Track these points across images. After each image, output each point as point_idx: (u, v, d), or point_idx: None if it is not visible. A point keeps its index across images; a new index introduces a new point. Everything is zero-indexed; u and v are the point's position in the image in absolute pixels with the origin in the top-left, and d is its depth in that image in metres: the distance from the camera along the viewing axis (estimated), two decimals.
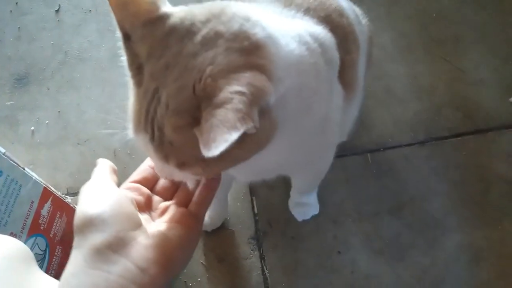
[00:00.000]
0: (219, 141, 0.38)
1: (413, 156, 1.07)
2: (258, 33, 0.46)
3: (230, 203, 0.99)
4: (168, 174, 0.52)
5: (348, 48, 0.68)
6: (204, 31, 0.45)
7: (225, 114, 0.40)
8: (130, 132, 0.49)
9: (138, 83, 0.46)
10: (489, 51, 1.20)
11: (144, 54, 0.46)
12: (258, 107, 0.42)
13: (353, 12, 0.77)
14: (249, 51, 0.44)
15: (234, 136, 0.38)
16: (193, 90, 0.43)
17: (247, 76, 0.42)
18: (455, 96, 1.14)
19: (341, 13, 0.69)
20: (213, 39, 0.44)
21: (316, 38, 0.57)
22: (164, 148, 0.46)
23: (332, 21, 0.65)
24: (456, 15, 1.26)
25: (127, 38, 0.47)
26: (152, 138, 0.46)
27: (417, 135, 1.10)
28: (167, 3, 0.48)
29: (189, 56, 0.44)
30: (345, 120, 0.75)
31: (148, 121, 0.45)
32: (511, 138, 1.08)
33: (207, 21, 0.45)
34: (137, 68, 0.46)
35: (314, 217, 0.99)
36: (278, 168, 0.69)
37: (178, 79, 0.43)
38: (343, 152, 1.07)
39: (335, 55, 0.62)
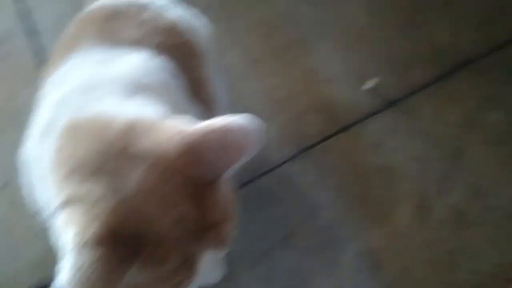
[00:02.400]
0: None
1: (289, 175, 1.02)
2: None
3: None
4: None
5: (194, 65, 0.65)
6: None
7: None
8: None
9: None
10: (333, 45, 1.19)
11: None
12: None
13: (192, 21, 0.71)
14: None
15: None
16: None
17: None
18: (313, 99, 1.11)
19: (176, 31, 0.65)
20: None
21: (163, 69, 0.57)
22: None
23: (168, 46, 0.61)
24: (294, 17, 1.24)
25: None
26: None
27: (288, 151, 1.04)
28: None
29: None
30: None
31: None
32: (374, 126, 1.07)
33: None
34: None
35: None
36: None
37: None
38: None
39: (181, 81, 0.61)
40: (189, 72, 0.62)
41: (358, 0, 1.26)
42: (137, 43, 0.59)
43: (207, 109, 0.65)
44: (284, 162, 1.03)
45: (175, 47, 0.62)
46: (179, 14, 0.68)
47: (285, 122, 1.08)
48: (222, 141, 0.43)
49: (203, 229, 0.45)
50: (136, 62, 0.57)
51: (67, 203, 0.42)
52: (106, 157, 0.43)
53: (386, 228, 0.96)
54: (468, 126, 1.08)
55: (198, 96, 0.63)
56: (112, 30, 0.60)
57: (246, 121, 0.43)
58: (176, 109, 0.53)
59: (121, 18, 0.62)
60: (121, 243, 0.40)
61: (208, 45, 0.74)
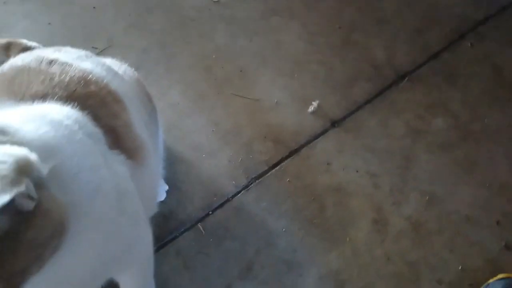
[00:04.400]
0: None
1: (243, 205, 1.00)
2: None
3: None
4: None
5: (112, 112, 0.63)
6: None
7: None
8: None
9: None
10: (273, 72, 1.21)
11: None
12: (29, 177, 0.43)
13: (107, 69, 0.70)
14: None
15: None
16: None
17: (5, 148, 0.44)
18: (260, 127, 1.11)
19: (86, 81, 0.63)
20: None
21: (69, 117, 0.55)
22: None
23: (80, 96, 0.60)
24: (232, 51, 1.25)
25: None
26: None
27: (239, 182, 1.03)
28: None
29: None
30: (145, 188, 0.69)
31: None
32: (322, 146, 1.08)
33: None
34: None
35: None
36: (98, 273, 0.61)
37: None
38: (171, 234, 0.95)
39: (93, 129, 0.58)
40: (108, 119, 0.61)
41: (292, 28, 1.29)
42: (46, 96, 0.57)
43: (132, 156, 0.63)
44: (237, 193, 1.01)
45: (89, 96, 0.61)
46: (91, 64, 0.67)
47: (234, 153, 1.07)
48: None
49: None
50: (66, 108, 0.56)
51: None
52: None
53: (345, 248, 0.94)
54: (412, 136, 1.10)
55: (120, 143, 0.61)
56: (20, 85, 0.59)
57: None
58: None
59: (30, 73, 0.61)
60: None
61: (131, 90, 0.73)
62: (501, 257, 0.94)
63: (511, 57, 1.26)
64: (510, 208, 1.00)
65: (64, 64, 0.63)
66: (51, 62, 0.63)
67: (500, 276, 0.88)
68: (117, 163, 0.60)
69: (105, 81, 0.65)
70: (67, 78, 0.61)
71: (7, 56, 0.81)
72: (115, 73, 0.70)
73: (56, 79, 0.61)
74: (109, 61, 0.76)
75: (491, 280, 0.88)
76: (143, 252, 0.70)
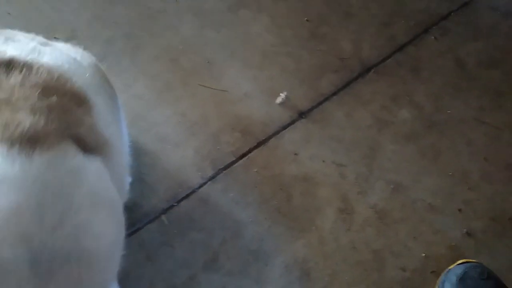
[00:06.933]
0: None
1: (209, 196, 0.98)
2: None
3: None
4: None
5: (76, 120, 0.57)
6: None
7: None
8: None
9: None
10: (242, 64, 1.20)
11: None
12: None
13: (67, 60, 0.64)
14: None
15: None
16: None
17: None
18: (227, 118, 1.10)
19: (49, 89, 0.56)
20: None
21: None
22: None
23: (45, 111, 0.53)
24: (200, 42, 1.24)
25: None
26: None
27: (205, 173, 1.02)
28: None
29: None
30: (114, 180, 0.64)
31: None
32: (290, 136, 1.08)
33: None
34: None
35: None
36: None
37: None
38: (134, 226, 0.93)
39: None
40: (71, 129, 0.55)
41: (260, 20, 1.28)
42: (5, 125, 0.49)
43: (99, 154, 0.58)
44: (203, 184, 1.00)
45: (51, 109, 0.54)
46: (50, 56, 0.60)
47: (201, 143, 1.05)
48: None
49: None
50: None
51: None
52: None
53: (310, 236, 0.94)
54: (378, 126, 1.11)
55: (86, 146, 0.56)
56: None
57: None
58: None
59: None
60: None
61: (93, 78, 0.68)
62: (463, 243, 0.96)
63: (472, 51, 1.29)
64: (471, 196, 1.03)
65: (23, 66, 0.56)
66: (9, 66, 0.55)
67: (460, 261, 0.89)
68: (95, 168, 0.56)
69: (68, 80, 0.59)
70: (29, 91, 0.54)
71: None
72: (76, 62, 0.65)
73: (16, 94, 0.53)
74: (65, 47, 0.72)
75: (451, 266, 0.90)
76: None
